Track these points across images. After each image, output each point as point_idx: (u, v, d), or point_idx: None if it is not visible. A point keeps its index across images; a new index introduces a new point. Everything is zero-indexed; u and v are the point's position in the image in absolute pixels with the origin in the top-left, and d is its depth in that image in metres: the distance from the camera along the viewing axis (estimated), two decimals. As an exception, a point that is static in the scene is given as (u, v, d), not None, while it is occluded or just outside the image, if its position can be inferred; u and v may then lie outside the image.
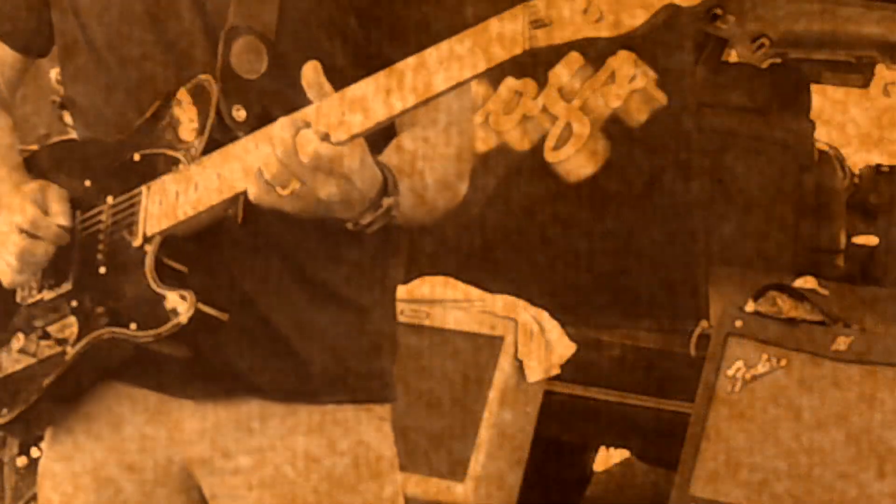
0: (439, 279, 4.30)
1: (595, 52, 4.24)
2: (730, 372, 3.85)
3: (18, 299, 2.06)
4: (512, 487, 4.16)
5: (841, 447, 3.66)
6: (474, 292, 4.24)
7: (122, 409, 2.06)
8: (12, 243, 1.99)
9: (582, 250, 4.68)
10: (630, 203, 4.60)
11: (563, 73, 4.25)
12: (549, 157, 4.33)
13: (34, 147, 2.24)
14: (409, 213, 1.92)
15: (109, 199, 2.00)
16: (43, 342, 2.02)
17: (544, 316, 4.18)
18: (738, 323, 3.90)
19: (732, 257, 5.48)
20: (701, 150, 4.69)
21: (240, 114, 1.94)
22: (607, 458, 6.50)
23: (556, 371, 4.19)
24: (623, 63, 4.22)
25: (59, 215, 2.00)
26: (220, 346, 1.98)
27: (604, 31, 1.66)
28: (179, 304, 1.90)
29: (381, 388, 2.12)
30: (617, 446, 5.97)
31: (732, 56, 6.84)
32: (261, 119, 1.91)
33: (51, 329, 2.01)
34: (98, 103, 2.08)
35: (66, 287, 2.01)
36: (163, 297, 1.91)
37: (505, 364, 4.10)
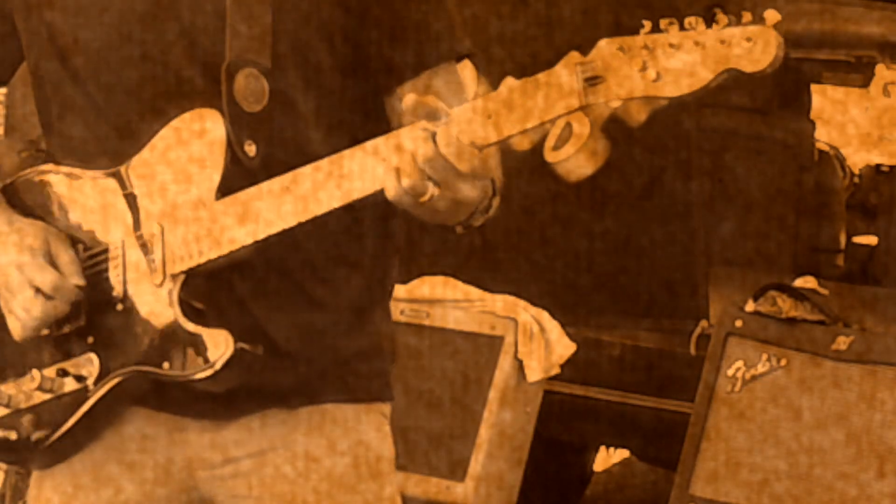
0: (439, 279, 4.30)
1: (595, 52, 4.23)
2: (730, 372, 3.85)
3: None
4: (512, 487, 4.16)
5: (841, 447, 3.66)
6: (474, 292, 4.24)
7: (123, 409, 2.06)
8: (30, 305, 1.97)
9: (582, 250, 4.69)
10: (630, 203, 4.60)
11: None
12: (549, 157, 4.32)
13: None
14: None
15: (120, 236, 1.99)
16: (61, 379, 2.00)
17: (544, 316, 4.17)
18: (738, 323, 3.89)
19: (732, 257, 5.48)
20: (701, 150, 4.69)
21: (251, 148, 1.94)
22: (607, 458, 6.50)
23: (556, 371, 4.19)
24: (623, 63, 4.22)
25: (74, 275, 1.98)
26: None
27: (664, 91, 1.67)
28: (216, 344, 1.91)
29: (380, 387, 2.12)
30: (617, 446, 5.97)
31: (732, 56, 6.82)
32: (269, 153, 1.92)
33: (68, 366, 2.00)
34: (82, 133, 2.07)
35: (80, 323, 2.00)
36: (195, 336, 1.92)
37: (505, 364, 4.09)
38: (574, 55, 1.71)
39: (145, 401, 2.02)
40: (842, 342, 3.74)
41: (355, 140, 1.94)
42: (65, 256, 1.99)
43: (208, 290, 1.96)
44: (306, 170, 1.87)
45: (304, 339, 2.03)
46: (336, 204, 1.85)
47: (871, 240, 6.79)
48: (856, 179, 7.41)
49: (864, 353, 3.70)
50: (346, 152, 1.85)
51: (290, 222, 1.87)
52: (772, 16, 1.65)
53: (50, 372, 2.01)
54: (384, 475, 2.10)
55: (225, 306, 1.98)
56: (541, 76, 1.75)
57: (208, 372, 1.91)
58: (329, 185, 1.84)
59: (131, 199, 1.99)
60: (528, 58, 1.84)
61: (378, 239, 2.06)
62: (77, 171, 2.05)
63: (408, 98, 1.80)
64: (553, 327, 4.18)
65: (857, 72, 7.38)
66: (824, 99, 10.25)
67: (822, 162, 6.00)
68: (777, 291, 3.93)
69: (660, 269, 4.58)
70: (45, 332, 2.01)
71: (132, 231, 1.98)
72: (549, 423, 4.32)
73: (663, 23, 1.67)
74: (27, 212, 2.07)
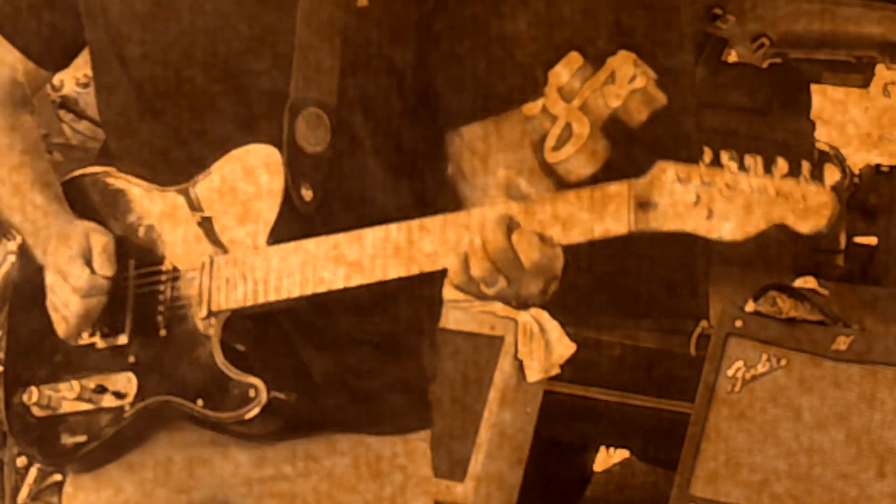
0: (439, 279, 4.29)
1: (595, 52, 4.23)
2: (730, 372, 3.85)
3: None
4: (512, 487, 4.16)
5: (841, 447, 3.66)
6: (474, 292, 4.24)
7: (157, 427, 2.05)
8: (72, 303, 1.96)
9: (582, 250, 4.68)
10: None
11: (563, 72, 4.24)
12: (549, 157, 4.33)
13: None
14: None
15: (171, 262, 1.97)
16: (100, 395, 1.99)
17: (544, 316, 4.17)
18: (738, 323, 3.89)
19: (732, 257, 5.48)
20: (701, 150, 4.68)
21: (307, 193, 1.92)
22: (607, 458, 6.50)
23: (556, 371, 4.19)
24: (623, 63, 4.22)
25: (104, 266, 1.96)
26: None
27: (714, 233, 1.63)
28: (250, 393, 1.89)
29: (420, 417, 2.11)
30: (617, 446, 5.97)
31: (732, 56, 6.84)
32: (325, 198, 1.90)
33: (107, 382, 1.99)
34: (143, 141, 2.04)
35: (122, 340, 1.99)
36: (230, 380, 1.90)
37: (505, 364, 4.10)
38: (627, 183, 1.67)
39: (180, 421, 2.00)
40: (842, 342, 3.74)
41: (413, 188, 1.96)
42: (97, 248, 1.97)
43: (251, 327, 1.94)
44: (371, 233, 1.82)
45: (344, 376, 2.01)
46: (395, 275, 1.81)
47: (871, 240, 6.79)
48: (856, 179, 7.41)
49: (864, 353, 3.70)
50: (416, 223, 1.80)
51: (345, 284, 1.83)
52: (831, 176, 1.61)
53: (89, 383, 2.00)
54: (384, 475, 2.09)
55: (266, 343, 1.95)
56: (597, 191, 1.70)
57: (239, 418, 1.90)
58: (393, 255, 1.80)
59: (188, 222, 1.97)
60: (528, 57, 1.85)
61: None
62: (139, 180, 2.02)
63: (501, 174, 1.75)
64: (553, 327, 4.18)
65: (857, 72, 7.38)
66: (824, 99, 10.25)
67: (822, 162, 5.99)
68: (777, 291, 3.93)
69: (660, 270, 4.57)
70: (88, 338, 2.00)
71: (183, 256, 1.97)
72: (549, 423, 4.32)
73: (724, 156, 1.64)
74: (85, 211, 2.05)
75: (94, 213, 2.05)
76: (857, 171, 7.50)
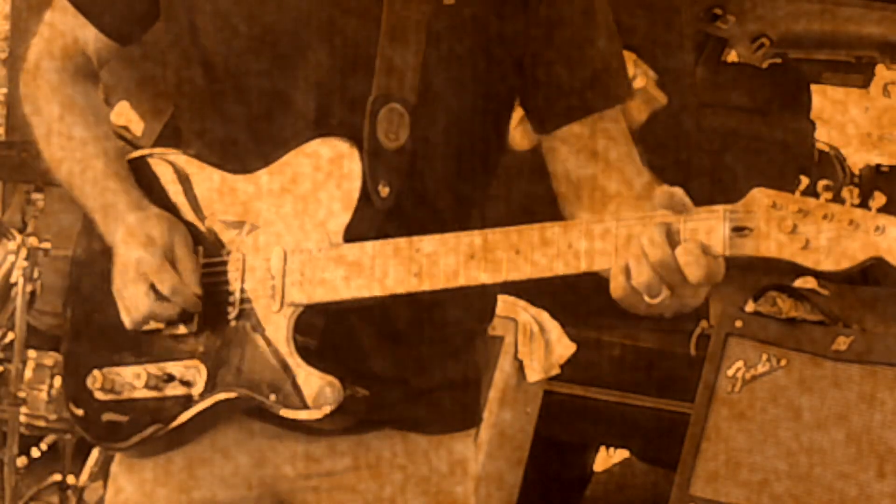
0: (439, 279, 4.29)
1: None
2: (730, 372, 3.85)
3: None
4: (512, 487, 4.16)
5: (841, 447, 3.66)
6: (474, 292, 4.24)
7: (223, 419, 2.03)
8: (141, 300, 1.93)
9: (582, 250, 4.67)
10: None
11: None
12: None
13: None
14: None
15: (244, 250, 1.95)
16: (167, 383, 1.98)
17: (544, 316, 4.17)
18: (738, 323, 3.89)
19: (732, 257, 5.47)
20: (701, 150, 4.69)
21: (384, 190, 1.90)
22: (607, 458, 6.50)
23: (556, 371, 4.19)
24: (623, 63, 4.21)
25: (195, 284, 1.93)
26: None
27: (810, 262, 1.62)
28: (326, 391, 1.87)
29: (472, 414, 2.14)
30: (617, 446, 5.97)
31: (732, 56, 6.84)
32: (400, 195, 1.88)
33: (175, 370, 1.97)
34: (216, 130, 2.02)
35: (191, 328, 1.96)
36: (307, 376, 1.88)
37: (505, 364, 4.09)
38: (722, 208, 1.67)
39: (248, 415, 1.99)
40: (842, 342, 3.74)
41: (476, 184, 1.97)
42: (187, 262, 1.93)
43: (321, 322, 1.92)
44: (501, 233, 1.79)
45: (404, 372, 2.01)
46: (529, 276, 1.77)
47: (871, 240, 6.77)
48: (856, 179, 7.41)
49: (864, 353, 3.69)
50: (558, 226, 1.76)
51: (428, 287, 1.81)
52: None
53: (156, 371, 1.98)
54: (384, 475, 2.09)
55: (334, 337, 1.94)
56: (692, 215, 1.69)
57: (315, 415, 1.88)
58: (531, 255, 1.76)
59: (258, 212, 1.95)
60: (528, 57, 1.87)
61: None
62: (208, 165, 2.00)
63: (660, 192, 1.71)
64: (553, 327, 4.18)
65: (857, 72, 7.38)
66: (824, 99, 10.25)
67: (822, 162, 5.99)
68: (777, 291, 3.93)
69: (660, 269, 4.56)
70: (155, 326, 1.98)
71: (254, 246, 1.95)
72: (549, 423, 4.32)
73: (820, 185, 1.62)
74: (150, 192, 2.02)
75: (158, 194, 2.02)
76: (857, 171, 7.50)
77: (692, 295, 1.72)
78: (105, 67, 2.14)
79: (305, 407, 1.89)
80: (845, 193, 1.60)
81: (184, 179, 2.02)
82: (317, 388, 1.87)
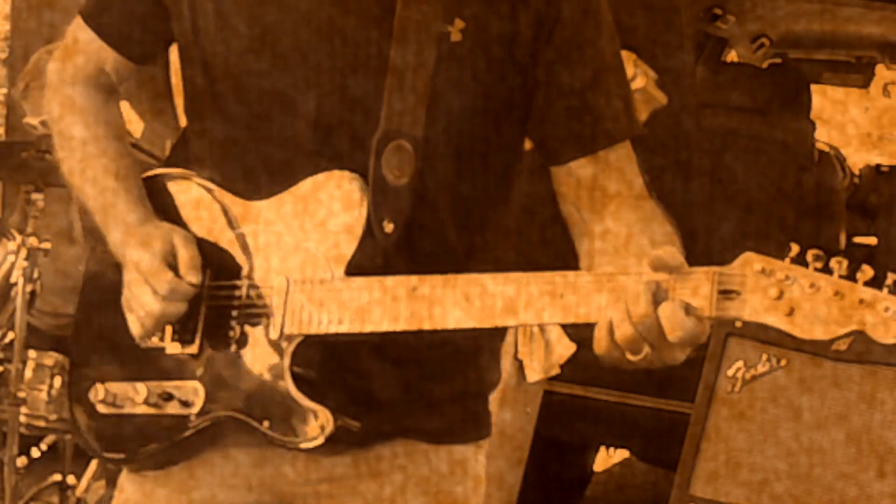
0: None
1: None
2: (730, 372, 3.85)
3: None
4: (512, 487, 4.16)
5: (841, 447, 3.65)
6: (474, 292, 4.23)
7: (220, 437, 2.04)
8: (147, 305, 1.94)
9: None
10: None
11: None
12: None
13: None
14: None
15: (249, 278, 1.95)
16: (167, 401, 1.99)
17: (544, 316, 4.16)
18: (738, 323, 3.89)
19: (732, 257, 5.48)
20: (701, 150, 4.69)
21: (388, 226, 1.91)
22: (607, 458, 6.51)
23: (556, 371, 4.18)
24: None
25: (190, 273, 1.93)
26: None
27: (794, 329, 1.64)
28: (315, 422, 1.89)
29: (481, 426, 2.19)
30: (617, 446, 5.97)
31: (732, 56, 6.84)
32: (405, 231, 1.89)
33: (174, 389, 1.98)
34: (219, 148, 2.03)
35: (191, 349, 1.97)
36: (299, 406, 1.89)
37: (505, 364, 4.08)
38: (712, 271, 1.68)
39: (242, 432, 1.99)
40: (842, 342, 3.73)
41: (485, 217, 1.99)
42: (184, 253, 1.94)
43: (319, 351, 1.92)
44: (500, 281, 1.79)
45: (407, 391, 2.02)
46: (514, 324, 1.78)
47: (871, 240, 6.79)
48: (856, 179, 7.41)
49: (864, 353, 3.69)
50: (546, 275, 1.77)
51: (451, 325, 1.81)
52: None
53: (156, 388, 2.00)
54: (384, 475, 2.09)
55: (332, 362, 1.95)
56: (681, 276, 1.70)
57: (305, 445, 1.90)
58: (523, 305, 1.76)
59: (264, 241, 1.96)
60: (528, 57, 1.87)
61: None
62: (217, 187, 2.01)
63: (653, 258, 1.72)
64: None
65: (857, 72, 7.39)
66: (824, 99, 10.26)
67: (822, 162, 5.99)
68: (777, 291, 3.93)
69: (660, 269, 4.56)
70: (159, 342, 1.99)
71: (258, 274, 1.95)
72: (549, 423, 4.32)
73: (810, 254, 1.65)
74: (165, 212, 2.04)
75: (171, 214, 2.04)
76: (857, 171, 7.51)
77: (671, 353, 1.72)
78: None
79: (295, 436, 1.90)
80: (833, 264, 1.63)
81: (195, 203, 2.03)
82: (309, 419, 1.89)
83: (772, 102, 5.86)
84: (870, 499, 3.59)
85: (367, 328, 1.84)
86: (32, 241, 4.00)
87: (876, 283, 1.60)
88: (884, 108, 11.68)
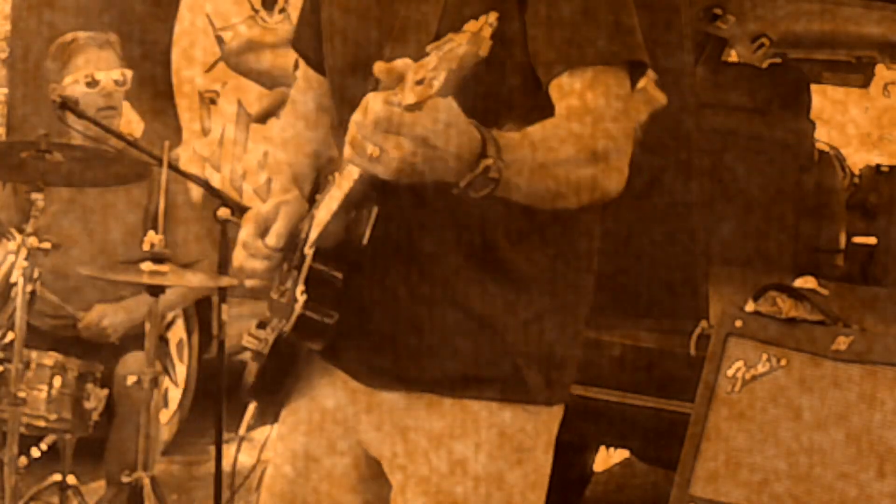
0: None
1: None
2: (730, 372, 3.85)
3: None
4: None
5: (841, 447, 3.65)
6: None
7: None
8: (255, 264, 2.18)
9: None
10: (630, 203, 4.59)
11: None
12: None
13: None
14: (525, 186, 1.97)
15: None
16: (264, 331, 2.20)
17: (544, 316, 4.16)
18: (738, 323, 3.89)
19: (732, 257, 5.48)
20: (701, 150, 4.68)
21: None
22: (607, 458, 6.51)
23: (555, 371, 4.18)
24: (623, 63, 4.21)
25: (275, 235, 2.15)
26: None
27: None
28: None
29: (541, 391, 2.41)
30: (617, 446, 5.97)
31: (732, 56, 6.84)
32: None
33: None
34: None
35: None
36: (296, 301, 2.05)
37: (505, 363, 4.09)
38: None
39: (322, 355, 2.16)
40: (842, 342, 3.74)
41: (484, 217, 2.15)
42: (280, 226, 2.15)
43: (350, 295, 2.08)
44: None
45: (461, 337, 2.18)
46: None
47: (871, 240, 6.80)
48: (856, 179, 7.42)
49: (864, 353, 3.69)
50: None
51: None
52: None
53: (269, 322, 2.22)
54: (383, 475, 2.09)
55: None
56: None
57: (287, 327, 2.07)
58: None
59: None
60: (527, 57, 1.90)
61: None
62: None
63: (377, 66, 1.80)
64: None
65: (857, 72, 7.39)
66: (824, 99, 10.27)
67: (822, 162, 6.00)
68: (777, 291, 3.93)
69: (660, 269, 4.57)
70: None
71: None
72: (549, 423, 4.31)
73: None
74: None
75: None
76: (857, 171, 7.51)
77: (392, 147, 1.76)
78: None
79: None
80: None
81: None
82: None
83: (772, 102, 5.86)
84: (870, 499, 3.59)
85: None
86: (32, 241, 4.00)
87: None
88: (884, 108, 11.69)
